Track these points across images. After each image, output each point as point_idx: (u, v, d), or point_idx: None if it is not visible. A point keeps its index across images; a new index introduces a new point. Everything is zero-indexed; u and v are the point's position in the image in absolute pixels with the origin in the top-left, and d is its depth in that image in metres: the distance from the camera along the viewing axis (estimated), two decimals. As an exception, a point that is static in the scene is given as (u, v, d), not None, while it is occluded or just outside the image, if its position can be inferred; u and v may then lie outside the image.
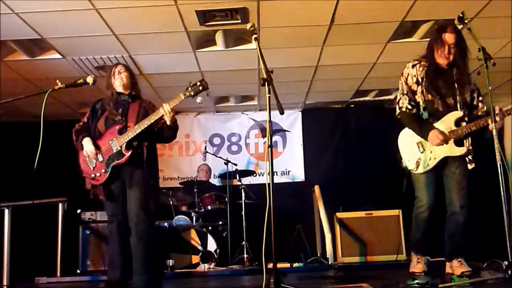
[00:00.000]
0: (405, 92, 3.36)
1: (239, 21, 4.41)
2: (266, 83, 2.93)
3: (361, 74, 6.00)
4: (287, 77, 5.80)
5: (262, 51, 3.05)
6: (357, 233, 5.57)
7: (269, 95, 2.92)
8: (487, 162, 3.17)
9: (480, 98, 3.34)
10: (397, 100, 3.42)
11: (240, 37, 4.95)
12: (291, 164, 7.23)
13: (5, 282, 4.43)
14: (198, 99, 3.43)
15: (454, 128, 3.24)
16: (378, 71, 5.79)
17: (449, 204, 3.30)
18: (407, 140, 3.41)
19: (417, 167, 3.29)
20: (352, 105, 7.24)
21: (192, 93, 3.36)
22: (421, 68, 3.32)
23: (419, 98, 3.32)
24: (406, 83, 3.36)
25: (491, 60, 3.00)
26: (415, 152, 3.33)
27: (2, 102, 3.25)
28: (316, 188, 6.00)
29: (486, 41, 3.24)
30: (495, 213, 3.18)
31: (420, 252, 3.40)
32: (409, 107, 3.33)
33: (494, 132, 2.93)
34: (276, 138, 7.23)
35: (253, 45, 3.23)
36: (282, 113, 2.93)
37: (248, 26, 3.11)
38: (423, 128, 3.29)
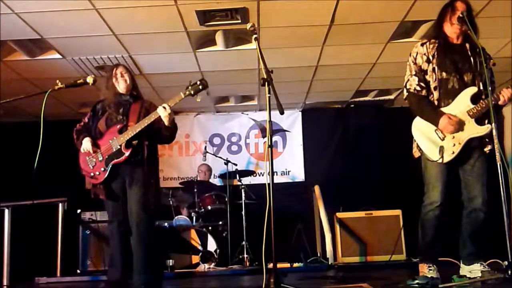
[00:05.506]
0: (414, 72, 3.09)
1: (239, 21, 4.41)
2: (266, 83, 2.93)
3: (361, 74, 6.00)
4: (287, 77, 5.80)
5: (262, 51, 3.04)
6: (357, 233, 5.57)
7: (269, 95, 2.92)
8: (487, 162, 3.16)
9: (493, 79, 3.12)
10: (404, 83, 3.14)
11: (240, 37, 4.95)
12: (291, 164, 7.23)
13: (5, 282, 4.43)
14: (198, 98, 3.44)
15: (471, 106, 2.98)
16: (378, 71, 5.79)
17: (469, 201, 3.04)
18: (423, 127, 3.06)
19: (442, 157, 2.95)
20: (352, 105, 7.24)
21: (192, 92, 3.36)
22: (431, 46, 3.08)
23: (429, 77, 3.06)
24: (415, 63, 3.10)
25: (491, 60, 2.98)
26: (435, 140, 3.00)
27: (2, 102, 3.25)
28: (316, 188, 5.99)
29: (486, 41, 3.24)
30: (495, 213, 3.16)
31: (431, 260, 3.06)
32: (418, 88, 3.06)
33: (494, 133, 2.90)
34: (276, 138, 7.22)
35: (253, 45, 3.22)
36: (282, 113, 2.92)
37: (248, 26, 3.10)
38: (432, 113, 3.00)
